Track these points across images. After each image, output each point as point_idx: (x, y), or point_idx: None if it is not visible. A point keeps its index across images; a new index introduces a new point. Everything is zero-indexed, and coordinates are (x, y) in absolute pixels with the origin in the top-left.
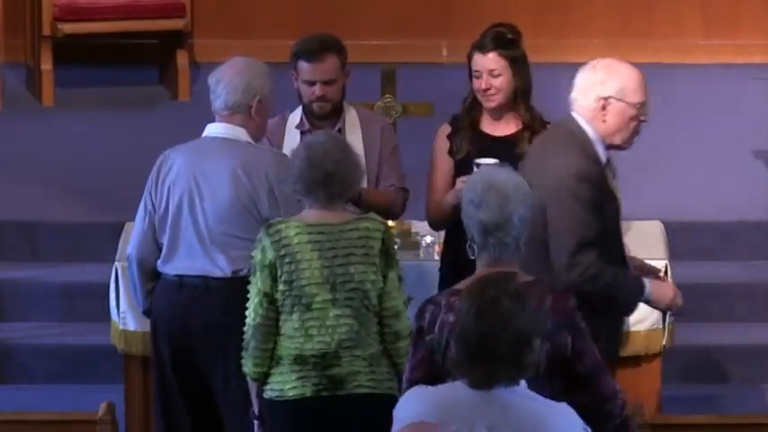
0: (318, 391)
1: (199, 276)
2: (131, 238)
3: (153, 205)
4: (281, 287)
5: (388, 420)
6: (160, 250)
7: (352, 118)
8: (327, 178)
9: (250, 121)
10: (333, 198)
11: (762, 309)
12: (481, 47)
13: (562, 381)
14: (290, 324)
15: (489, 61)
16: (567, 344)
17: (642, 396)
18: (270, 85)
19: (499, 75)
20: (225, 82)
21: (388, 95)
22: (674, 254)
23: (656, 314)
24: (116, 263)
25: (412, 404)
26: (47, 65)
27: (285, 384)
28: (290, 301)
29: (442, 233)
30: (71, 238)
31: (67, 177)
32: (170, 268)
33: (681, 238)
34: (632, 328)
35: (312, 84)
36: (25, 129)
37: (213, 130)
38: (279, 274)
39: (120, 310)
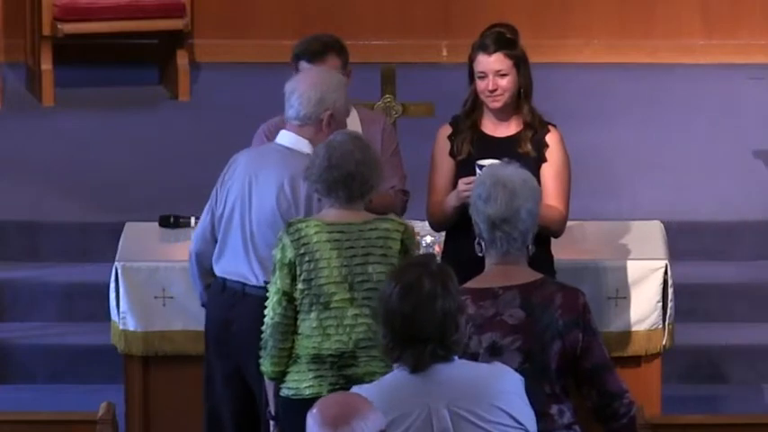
0: (335, 390)
1: (238, 282)
2: (195, 231)
3: (216, 203)
4: (299, 286)
5: None
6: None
7: (352, 118)
8: (348, 178)
9: (320, 134)
10: (353, 198)
11: (762, 309)
12: (485, 47)
13: (573, 378)
14: (308, 323)
15: (495, 62)
16: (579, 341)
17: (642, 396)
18: (343, 99)
19: (505, 75)
20: (299, 92)
21: (388, 95)
22: (673, 254)
23: (656, 314)
24: (116, 263)
25: None
26: (47, 65)
27: (302, 383)
28: (309, 299)
29: (443, 233)
30: (71, 238)
31: (67, 177)
32: (218, 269)
33: (681, 238)
34: (632, 328)
35: None
36: (25, 129)
37: (281, 138)
38: (298, 272)
39: (120, 310)
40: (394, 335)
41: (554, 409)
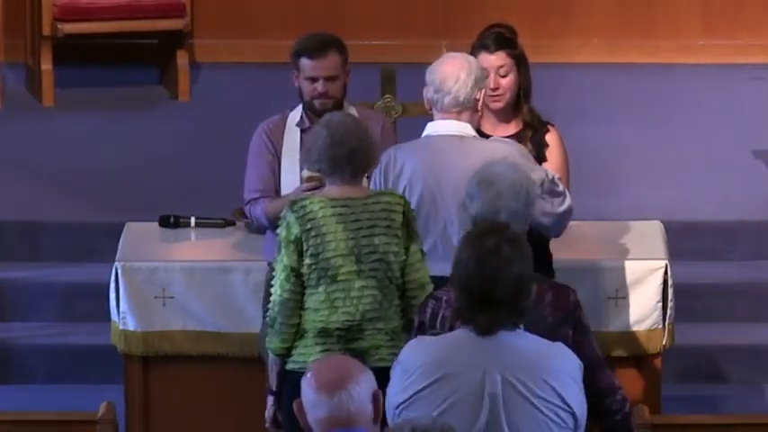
0: None
1: (441, 277)
2: None
3: None
4: (307, 261)
5: None
6: None
7: None
8: (352, 154)
9: (475, 114)
10: (357, 173)
11: (762, 309)
12: (486, 47)
13: None
14: (315, 297)
15: (497, 61)
16: (569, 338)
17: (642, 396)
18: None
19: (507, 74)
20: (453, 78)
21: (388, 95)
22: (673, 254)
23: (656, 314)
24: (116, 263)
25: (418, 353)
26: (47, 65)
27: (309, 356)
28: (316, 274)
29: None
30: (71, 238)
31: (67, 177)
32: None
33: (681, 238)
34: (632, 328)
35: (314, 80)
36: (25, 129)
37: (442, 127)
38: (305, 248)
39: (120, 310)
40: (469, 298)
41: None
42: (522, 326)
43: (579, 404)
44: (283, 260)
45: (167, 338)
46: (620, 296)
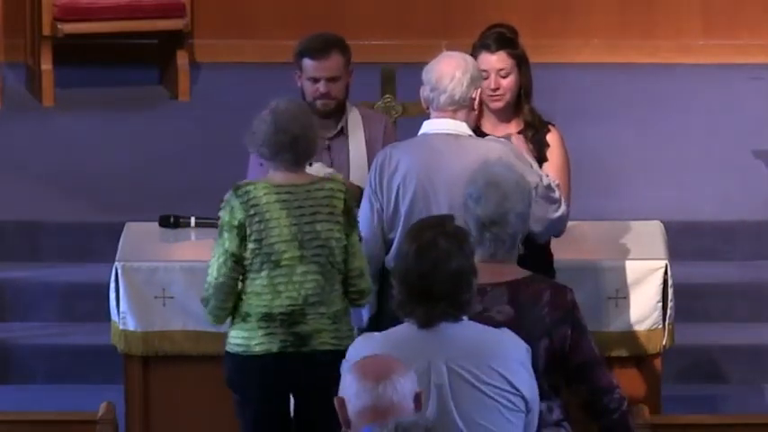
0: (285, 347)
1: None
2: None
3: (380, 204)
4: (250, 246)
5: None
6: (387, 249)
7: (354, 117)
8: (294, 141)
9: (471, 113)
10: (299, 160)
11: (762, 309)
12: (487, 47)
13: (561, 376)
14: (258, 282)
15: (498, 61)
16: (567, 337)
17: (642, 396)
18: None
19: (507, 74)
20: (449, 77)
21: (388, 95)
22: (673, 254)
23: (656, 314)
24: (116, 263)
25: (363, 349)
26: (47, 65)
27: (252, 340)
28: (260, 259)
29: None
30: (71, 238)
31: (67, 177)
32: None
33: (681, 238)
34: (632, 328)
35: (316, 81)
36: (25, 129)
37: (438, 125)
38: (248, 233)
39: (120, 310)
40: (408, 291)
41: (542, 406)
42: (465, 317)
43: (529, 387)
44: (224, 244)
45: (167, 338)
46: (620, 296)
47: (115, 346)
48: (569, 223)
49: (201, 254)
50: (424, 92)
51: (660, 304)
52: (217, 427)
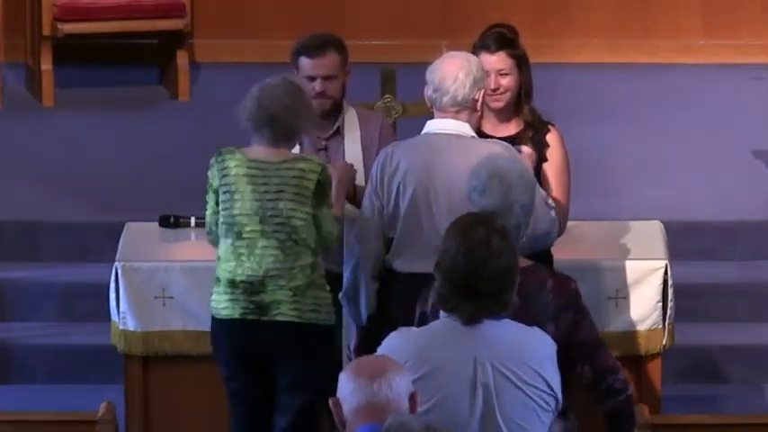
0: (245, 314)
1: (430, 275)
2: (356, 242)
3: (381, 203)
4: (220, 211)
5: (310, 347)
6: (387, 247)
7: (351, 117)
8: (272, 119)
9: (474, 114)
10: (277, 139)
11: (762, 309)
12: (487, 47)
13: (566, 358)
14: (224, 248)
15: (498, 61)
16: (572, 322)
17: (642, 396)
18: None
19: (507, 74)
20: (452, 78)
21: (388, 95)
22: (673, 254)
23: (656, 314)
24: (116, 263)
25: (402, 347)
26: (47, 65)
27: (219, 304)
28: (225, 227)
29: None
30: (71, 238)
31: (67, 177)
32: (401, 265)
33: (681, 238)
34: (632, 328)
35: (312, 79)
36: (25, 129)
37: (440, 125)
38: (220, 199)
39: (120, 310)
40: (453, 287)
41: None
42: (505, 316)
43: (558, 386)
44: (209, 201)
45: (167, 338)
46: (620, 296)
47: (115, 346)
48: (569, 223)
49: (201, 254)
50: (428, 92)
51: (660, 304)
52: (217, 427)
